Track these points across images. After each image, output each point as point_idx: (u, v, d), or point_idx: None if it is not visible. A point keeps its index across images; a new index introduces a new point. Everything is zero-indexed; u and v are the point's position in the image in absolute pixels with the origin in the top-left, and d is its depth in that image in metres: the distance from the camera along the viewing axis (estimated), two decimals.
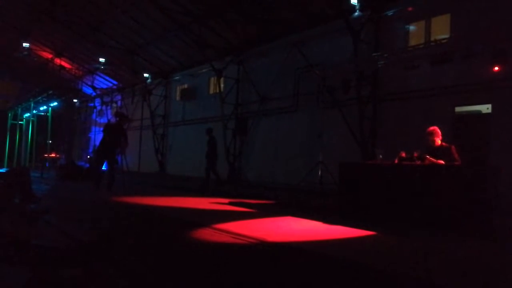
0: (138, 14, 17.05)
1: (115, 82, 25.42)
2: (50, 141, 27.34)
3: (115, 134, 10.06)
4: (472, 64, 9.37)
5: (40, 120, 27.59)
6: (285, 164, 14.51)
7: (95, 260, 3.69)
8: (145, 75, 21.32)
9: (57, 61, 24.30)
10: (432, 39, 10.73)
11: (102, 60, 21.27)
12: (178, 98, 20.88)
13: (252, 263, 3.89)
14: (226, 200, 9.28)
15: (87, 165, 18.72)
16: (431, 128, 6.85)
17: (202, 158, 12.45)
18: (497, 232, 5.59)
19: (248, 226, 5.92)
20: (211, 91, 18.94)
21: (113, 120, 15.71)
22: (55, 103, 25.24)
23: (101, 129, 26.22)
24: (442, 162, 6.28)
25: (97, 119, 27.20)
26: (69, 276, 3.19)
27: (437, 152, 6.53)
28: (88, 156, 24.65)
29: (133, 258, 3.85)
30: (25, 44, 21.94)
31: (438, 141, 6.75)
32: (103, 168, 10.56)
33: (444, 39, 10.31)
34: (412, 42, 11.44)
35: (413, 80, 10.97)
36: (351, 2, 11.64)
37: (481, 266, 4.03)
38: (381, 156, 7.19)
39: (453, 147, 6.58)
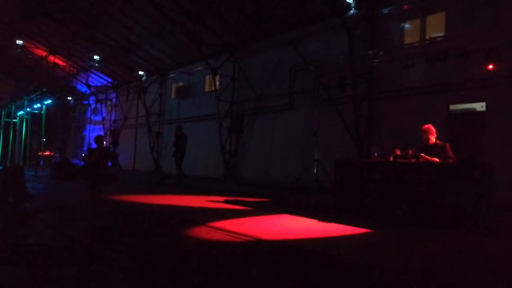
0: (133, 11, 16.96)
1: (109, 80, 25.27)
2: (44, 139, 27.15)
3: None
4: (467, 62, 9.39)
5: (34, 118, 27.37)
6: (281, 162, 14.51)
7: (90, 258, 3.67)
8: (140, 72, 21.19)
9: (51, 58, 24.12)
10: (427, 37, 10.75)
11: (96, 57, 21.13)
12: (173, 96, 20.82)
13: (248, 261, 3.89)
14: (222, 198, 9.27)
15: (82, 163, 18.62)
16: (426, 126, 6.88)
17: (197, 155, 12.50)
18: (491, 228, 5.63)
19: (244, 224, 5.93)
20: (207, 89, 18.89)
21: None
22: (49, 101, 25.05)
23: (96, 127, 26.11)
24: (436, 159, 6.31)
25: (92, 117, 27.04)
26: (64, 275, 3.17)
27: (431, 150, 6.56)
28: (83, 154, 24.50)
29: (129, 256, 3.84)
30: (19, 42, 21.73)
31: (433, 139, 6.78)
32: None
33: (439, 37, 10.33)
34: (407, 40, 11.46)
35: (408, 78, 11.00)
36: (347, 0, 11.63)
37: (480, 264, 4.06)
38: (376, 154, 7.21)
39: (447, 145, 6.62)
